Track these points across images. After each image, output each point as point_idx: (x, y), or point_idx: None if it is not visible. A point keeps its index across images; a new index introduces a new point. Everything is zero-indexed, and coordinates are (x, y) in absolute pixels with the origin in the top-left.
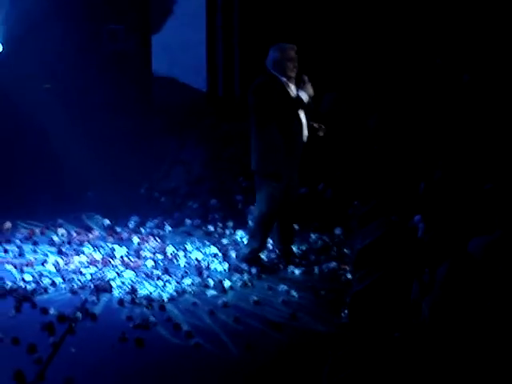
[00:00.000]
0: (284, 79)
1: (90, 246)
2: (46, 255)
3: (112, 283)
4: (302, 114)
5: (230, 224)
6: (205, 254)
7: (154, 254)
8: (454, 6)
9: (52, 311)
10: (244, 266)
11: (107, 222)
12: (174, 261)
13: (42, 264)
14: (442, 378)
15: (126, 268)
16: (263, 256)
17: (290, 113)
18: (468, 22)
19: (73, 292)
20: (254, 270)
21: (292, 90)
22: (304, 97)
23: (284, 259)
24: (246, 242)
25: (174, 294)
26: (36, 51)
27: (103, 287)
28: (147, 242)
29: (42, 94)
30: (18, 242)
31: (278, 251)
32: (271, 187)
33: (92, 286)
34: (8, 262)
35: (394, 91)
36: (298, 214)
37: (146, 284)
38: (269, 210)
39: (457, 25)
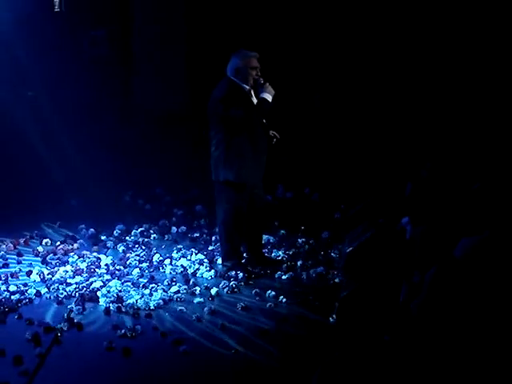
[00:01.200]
0: (247, 87)
1: (75, 255)
2: (31, 265)
3: (98, 292)
4: (264, 122)
5: (216, 230)
6: (191, 261)
7: (139, 262)
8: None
9: (37, 322)
10: (231, 272)
11: (92, 230)
12: (160, 268)
13: (27, 274)
14: (432, 379)
15: (112, 277)
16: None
17: (254, 121)
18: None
19: (58, 302)
20: (240, 276)
21: (254, 98)
22: (269, 97)
23: (254, 265)
24: (222, 261)
25: (161, 302)
26: (16, 58)
27: (89, 297)
28: (133, 250)
29: (23, 101)
30: (2, 252)
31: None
32: (237, 197)
33: (78, 295)
34: None
35: (380, 91)
36: (265, 221)
37: (133, 292)
38: (235, 220)
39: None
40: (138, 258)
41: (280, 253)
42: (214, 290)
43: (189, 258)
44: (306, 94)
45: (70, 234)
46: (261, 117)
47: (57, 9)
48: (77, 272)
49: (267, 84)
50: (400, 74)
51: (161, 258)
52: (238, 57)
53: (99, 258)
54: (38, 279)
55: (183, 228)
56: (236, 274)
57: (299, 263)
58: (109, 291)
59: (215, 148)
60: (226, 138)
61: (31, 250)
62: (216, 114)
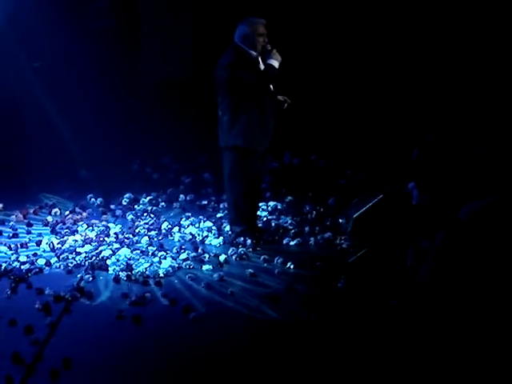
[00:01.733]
0: (254, 54)
1: (84, 224)
2: (41, 235)
3: (107, 261)
4: (271, 89)
5: (224, 198)
6: (199, 228)
7: (148, 230)
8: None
9: (48, 291)
10: (239, 239)
11: (101, 199)
12: (169, 236)
13: (37, 244)
14: (439, 344)
15: (121, 245)
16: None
17: (262, 88)
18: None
19: (68, 271)
20: (248, 242)
21: (261, 65)
22: (275, 64)
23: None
24: (231, 228)
25: (170, 269)
26: (23, 30)
27: (98, 265)
28: (141, 218)
29: (30, 72)
30: (11, 223)
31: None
32: (244, 162)
33: (87, 264)
34: (2, 244)
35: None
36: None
37: (142, 260)
38: (245, 186)
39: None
40: (146, 226)
41: (288, 219)
42: (222, 257)
43: (197, 225)
44: (311, 65)
45: (79, 203)
46: (268, 83)
47: None
48: (86, 241)
49: (274, 50)
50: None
51: (169, 226)
52: (246, 24)
53: (108, 227)
54: (48, 249)
55: (191, 196)
56: (244, 240)
57: (307, 229)
58: (118, 260)
59: (222, 114)
60: (234, 103)
61: (41, 220)
62: (224, 79)
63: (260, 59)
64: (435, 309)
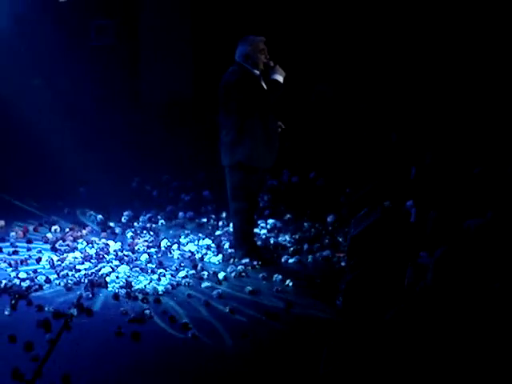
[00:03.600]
0: (257, 72)
1: (83, 241)
2: (41, 252)
3: (107, 278)
4: (275, 106)
5: (223, 215)
6: (198, 246)
7: (147, 247)
8: None
9: (47, 308)
10: (246, 259)
11: (100, 217)
12: (168, 254)
13: (37, 261)
14: (435, 360)
15: (121, 262)
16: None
17: (267, 105)
18: None
19: (68, 288)
20: (255, 263)
21: (263, 82)
22: (280, 78)
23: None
24: (236, 249)
25: (169, 286)
26: (24, 47)
27: (98, 282)
28: (141, 236)
29: (31, 89)
30: (12, 240)
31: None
32: (249, 181)
33: (87, 281)
34: (2, 260)
35: (384, 78)
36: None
37: (141, 278)
38: (249, 206)
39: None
40: (146, 243)
41: (286, 237)
42: (221, 275)
43: (196, 243)
44: (308, 84)
45: (79, 220)
46: (274, 99)
47: None
48: (86, 258)
49: (277, 66)
50: (401, 61)
51: (169, 244)
52: (246, 43)
53: (108, 244)
54: (48, 266)
55: (190, 213)
56: (251, 260)
57: (305, 247)
58: (117, 277)
59: (226, 132)
60: (239, 122)
61: (41, 236)
62: (228, 98)
63: (262, 78)
64: (433, 324)
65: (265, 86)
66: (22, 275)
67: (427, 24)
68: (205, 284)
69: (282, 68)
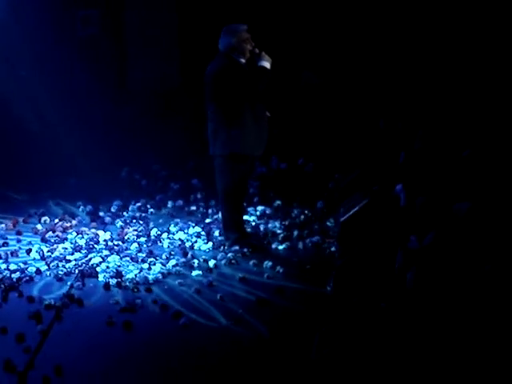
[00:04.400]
0: (243, 61)
1: (73, 232)
2: (31, 244)
3: (97, 268)
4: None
5: (213, 203)
6: (188, 234)
7: (137, 237)
8: None
9: (38, 299)
10: (235, 247)
11: (90, 207)
12: (158, 243)
13: (27, 253)
14: (428, 346)
15: (111, 252)
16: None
17: (255, 94)
18: None
19: (58, 279)
20: (245, 250)
21: (250, 71)
22: (267, 65)
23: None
24: (226, 236)
25: (160, 275)
26: (9, 38)
27: (88, 273)
28: (130, 225)
29: (17, 80)
30: (1, 231)
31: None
32: (239, 169)
33: (77, 272)
34: None
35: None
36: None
37: (131, 267)
38: (238, 193)
39: None
40: (135, 232)
41: (276, 223)
42: (211, 263)
43: (186, 231)
44: (297, 67)
45: (69, 211)
46: (262, 86)
47: None
48: (76, 249)
49: (263, 53)
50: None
51: (158, 232)
52: (229, 32)
53: (98, 234)
54: (38, 257)
55: (180, 202)
56: (241, 248)
57: (295, 233)
58: (108, 267)
59: (215, 122)
60: (228, 111)
61: (30, 228)
62: (215, 88)
63: (249, 65)
64: (423, 310)
65: (252, 74)
66: (13, 267)
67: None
68: (195, 272)
69: (268, 54)
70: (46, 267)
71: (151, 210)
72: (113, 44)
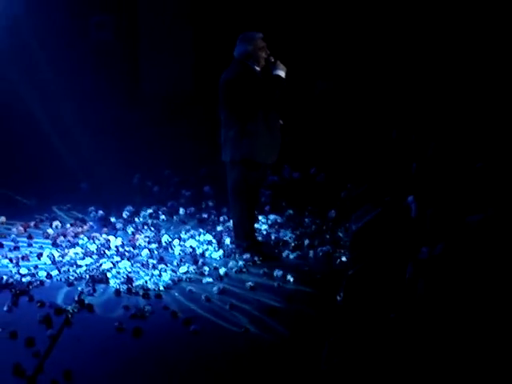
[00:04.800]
0: (258, 69)
1: (84, 237)
2: (42, 248)
3: (108, 274)
4: (278, 101)
5: (224, 210)
6: (199, 241)
7: (148, 243)
8: None
9: (49, 304)
10: (246, 255)
11: (101, 212)
12: (169, 249)
13: (38, 257)
14: (437, 356)
15: (122, 258)
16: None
17: (270, 101)
18: None
19: (69, 284)
20: (256, 259)
21: (265, 79)
22: (282, 73)
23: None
24: (237, 244)
25: (170, 282)
26: (23, 42)
27: (99, 278)
28: (142, 231)
29: (30, 84)
30: (12, 235)
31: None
32: (251, 177)
33: (88, 277)
34: (3, 256)
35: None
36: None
37: (142, 273)
38: (250, 201)
39: None
40: (147, 239)
41: (287, 232)
42: (222, 270)
43: (197, 238)
44: (311, 77)
45: (80, 216)
46: (277, 94)
47: None
48: (87, 254)
49: (278, 62)
50: (402, 57)
51: (170, 239)
52: (246, 41)
53: (109, 240)
54: (49, 261)
55: (191, 209)
56: (251, 256)
57: (306, 242)
58: (119, 272)
59: (228, 129)
60: (242, 118)
61: (41, 232)
62: (230, 95)
63: (264, 73)
64: (433, 320)
65: (267, 83)
66: (23, 271)
67: (427, 20)
68: (206, 279)
69: (283, 63)
70: (57, 272)
71: (163, 216)
72: (126, 49)
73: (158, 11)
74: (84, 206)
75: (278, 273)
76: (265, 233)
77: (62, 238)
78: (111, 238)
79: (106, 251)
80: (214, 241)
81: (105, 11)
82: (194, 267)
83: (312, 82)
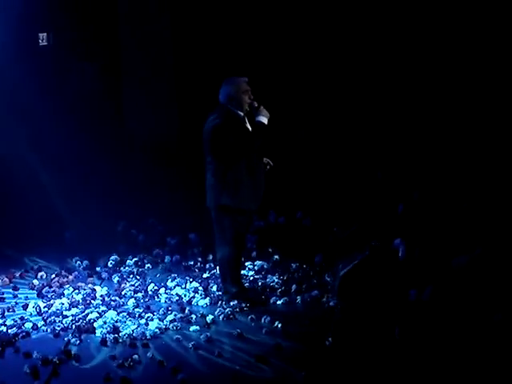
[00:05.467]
0: (241, 114)
1: (70, 287)
2: (27, 299)
3: (94, 324)
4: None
5: (210, 258)
6: (186, 289)
7: (134, 292)
8: None
9: (35, 355)
10: (234, 302)
11: (86, 262)
12: (156, 298)
13: (23, 308)
14: None
15: (108, 308)
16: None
17: (252, 147)
18: None
19: (55, 334)
20: (243, 306)
21: (248, 124)
22: (265, 120)
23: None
24: (223, 291)
25: (157, 331)
26: (6, 91)
27: (85, 328)
28: (127, 280)
29: (13, 133)
30: None
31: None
32: (236, 223)
33: (74, 327)
34: None
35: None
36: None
37: (129, 322)
38: (237, 247)
39: None
40: (132, 288)
41: (274, 278)
42: (209, 318)
43: (183, 286)
44: (294, 122)
45: (65, 266)
46: (259, 140)
47: (43, 43)
48: (73, 304)
49: (262, 107)
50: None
51: (155, 288)
52: (229, 84)
53: (94, 290)
54: (35, 312)
55: (177, 257)
56: (239, 303)
57: (293, 288)
58: (105, 322)
59: (212, 174)
60: (224, 164)
61: (27, 283)
62: (212, 141)
63: (247, 119)
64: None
65: (249, 128)
66: (9, 322)
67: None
68: (193, 327)
69: (266, 109)
70: (43, 322)
71: (148, 264)
72: (111, 96)
73: (142, 58)
74: (69, 256)
75: (266, 319)
76: (251, 279)
77: (47, 288)
78: (97, 287)
79: (92, 301)
80: (200, 288)
81: (88, 60)
82: (181, 315)
83: (296, 127)
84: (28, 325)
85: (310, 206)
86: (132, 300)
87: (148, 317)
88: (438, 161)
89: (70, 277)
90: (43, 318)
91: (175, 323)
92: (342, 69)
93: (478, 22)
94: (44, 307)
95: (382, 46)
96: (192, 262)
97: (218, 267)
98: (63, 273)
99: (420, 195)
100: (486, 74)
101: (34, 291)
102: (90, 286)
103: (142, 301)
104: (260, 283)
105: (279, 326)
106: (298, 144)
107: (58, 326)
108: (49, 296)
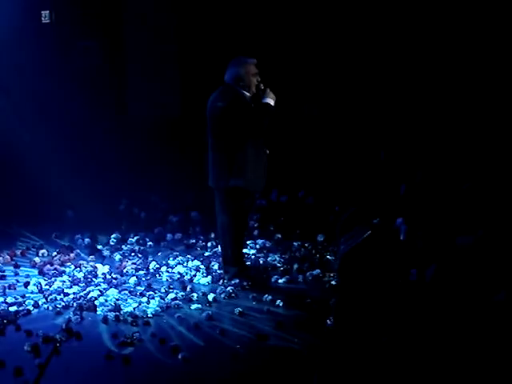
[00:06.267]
0: (248, 95)
1: (71, 265)
2: (28, 277)
3: (95, 302)
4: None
5: (212, 236)
6: (187, 267)
7: (136, 270)
8: None
9: (36, 332)
10: (235, 280)
11: (88, 240)
12: (157, 276)
13: (25, 286)
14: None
15: (109, 286)
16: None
17: (258, 128)
18: None
19: (56, 312)
20: (244, 284)
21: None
22: (271, 102)
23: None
24: (225, 270)
25: (159, 309)
26: (8, 68)
27: (87, 306)
28: (129, 258)
29: (15, 112)
30: None
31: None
32: (241, 204)
33: (75, 305)
34: None
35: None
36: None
37: (130, 301)
38: (240, 228)
39: None
40: (134, 266)
41: (276, 257)
42: (211, 296)
43: (185, 264)
44: (299, 101)
45: (67, 244)
46: (264, 122)
47: (45, 20)
48: (74, 282)
49: (268, 90)
50: (393, 78)
51: (157, 266)
52: (238, 65)
53: (96, 268)
54: (36, 290)
55: (179, 235)
56: (240, 281)
57: (295, 267)
58: (106, 300)
59: (216, 155)
60: (230, 144)
61: (28, 261)
62: (219, 121)
63: (253, 100)
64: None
65: (257, 110)
66: (10, 300)
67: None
68: (194, 306)
69: (273, 91)
70: (44, 300)
71: (150, 243)
72: (113, 74)
73: (145, 35)
74: (70, 234)
75: (267, 298)
76: (253, 257)
77: (48, 266)
78: (98, 265)
79: (94, 279)
80: (202, 266)
81: (91, 36)
82: (183, 293)
83: (300, 105)
84: (29, 302)
85: (312, 185)
86: (133, 278)
87: (149, 295)
88: (441, 141)
89: (72, 254)
90: (44, 296)
91: (176, 301)
92: (346, 50)
93: (478, 19)
94: (45, 285)
95: (388, 30)
96: (194, 241)
97: (219, 246)
98: (65, 250)
99: (423, 175)
100: (487, 56)
101: (36, 269)
102: (91, 263)
103: (143, 279)
104: (262, 262)
105: (280, 304)
106: (300, 123)
107: (60, 304)
108: (50, 274)
